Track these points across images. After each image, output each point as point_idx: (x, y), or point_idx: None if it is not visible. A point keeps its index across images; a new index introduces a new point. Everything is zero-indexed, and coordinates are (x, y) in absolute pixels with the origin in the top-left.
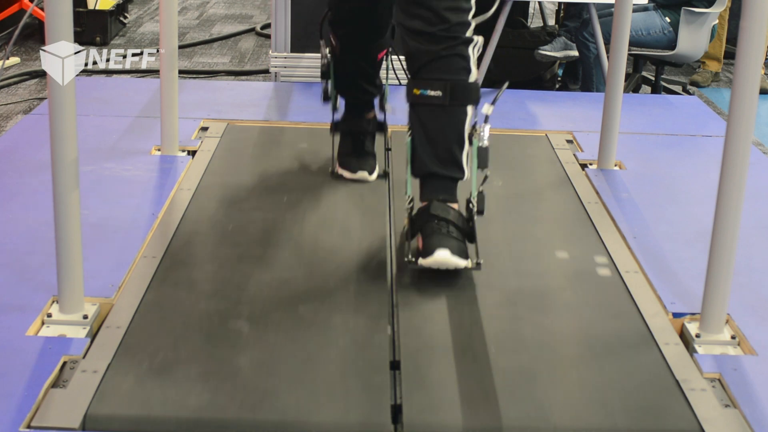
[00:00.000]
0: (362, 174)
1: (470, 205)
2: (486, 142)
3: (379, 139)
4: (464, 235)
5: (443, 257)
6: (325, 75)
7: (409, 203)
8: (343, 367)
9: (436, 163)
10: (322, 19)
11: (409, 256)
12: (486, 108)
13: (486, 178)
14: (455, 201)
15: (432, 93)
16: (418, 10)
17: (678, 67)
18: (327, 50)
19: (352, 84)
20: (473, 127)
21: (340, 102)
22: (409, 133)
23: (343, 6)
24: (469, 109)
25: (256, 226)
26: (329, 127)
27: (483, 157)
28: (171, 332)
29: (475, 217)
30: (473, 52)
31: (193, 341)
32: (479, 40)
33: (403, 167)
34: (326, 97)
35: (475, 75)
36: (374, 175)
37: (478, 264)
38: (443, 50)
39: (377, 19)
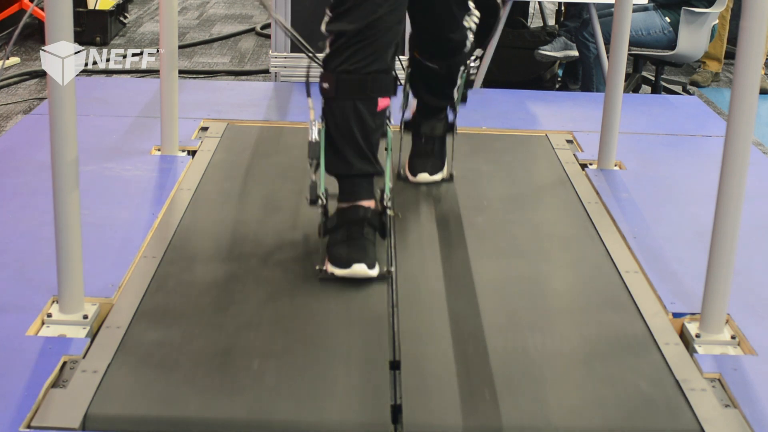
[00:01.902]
0: (361, 268)
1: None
2: (474, 74)
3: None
4: (446, 136)
5: (424, 178)
6: (314, 154)
7: (325, 197)
8: (343, 367)
9: (431, 98)
10: (308, 67)
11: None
12: (476, 51)
13: (476, 58)
14: (443, 116)
15: (431, 65)
16: (431, 51)
17: (678, 67)
18: (316, 123)
19: (346, 160)
20: (465, 65)
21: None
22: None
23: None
24: (462, 66)
25: (255, 226)
26: (317, 230)
27: (470, 82)
28: (171, 332)
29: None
30: (471, 31)
31: (193, 341)
32: (475, 14)
33: (402, 164)
34: (314, 198)
35: (471, 39)
36: (375, 271)
37: (451, 175)
38: (446, 67)
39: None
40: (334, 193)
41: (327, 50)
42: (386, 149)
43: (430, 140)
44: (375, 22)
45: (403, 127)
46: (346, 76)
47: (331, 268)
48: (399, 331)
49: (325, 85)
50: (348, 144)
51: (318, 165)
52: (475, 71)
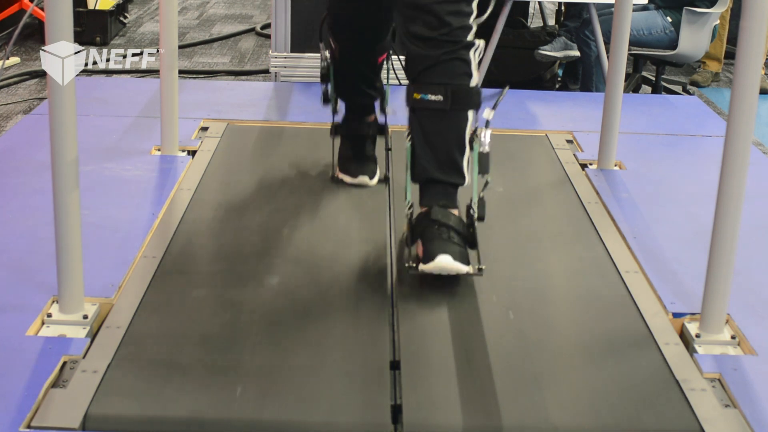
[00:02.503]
0: (363, 179)
1: (471, 210)
2: (487, 148)
3: (380, 143)
4: (465, 240)
5: (445, 262)
6: (324, 78)
7: (409, 209)
8: (343, 367)
9: (437, 168)
10: (321, 21)
11: (410, 262)
12: (487, 113)
13: (487, 183)
14: (456, 207)
15: (433, 98)
16: (420, 14)
17: (678, 67)
18: (326, 53)
19: (352, 88)
20: (474, 131)
21: (340, 105)
22: (408, 138)
23: (343, 9)
24: (470, 114)
25: (255, 226)
26: (329, 129)
27: (484, 162)
28: (171, 332)
29: (476, 223)
30: (474, 56)
31: (193, 341)
32: (480, 44)
33: (403, 169)
34: (326, 100)
35: (476, 79)
36: (375, 180)
37: (480, 269)
38: (444, 55)
39: (378, 23)
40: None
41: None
42: (388, 148)
43: (444, 228)
44: None
45: (407, 241)
46: (347, 45)
47: (341, 175)
48: (399, 331)
49: (334, 50)
50: (355, 77)
51: (329, 81)
52: (487, 149)
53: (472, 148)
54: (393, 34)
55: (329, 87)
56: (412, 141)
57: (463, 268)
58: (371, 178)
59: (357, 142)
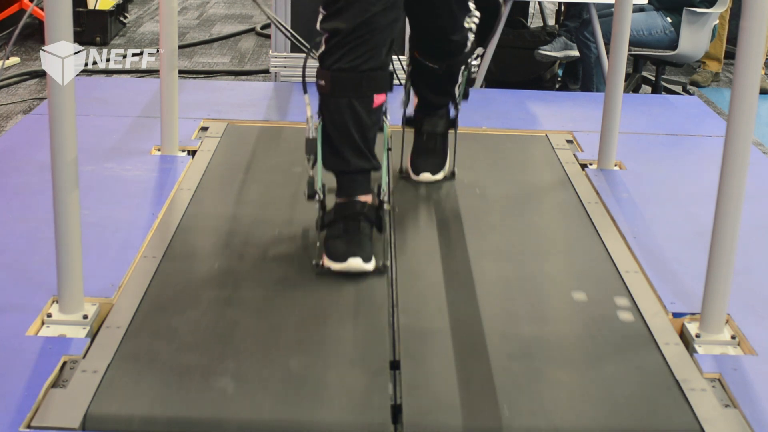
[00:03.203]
0: (425, 176)
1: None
2: (475, 72)
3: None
4: (448, 132)
5: (426, 177)
6: (311, 150)
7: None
8: (343, 367)
9: (431, 95)
10: (304, 64)
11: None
12: (477, 50)
13: (477, 56)
14: (444, 112)
15: (431, 65)
16: (431, 53)
17: (679, 67)
18: (315, 120)
19: (343, 156)
20: (465, 64)
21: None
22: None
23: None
24: (463, 65)
25: (255, 226)
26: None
27: (471, 80)
28: (171, 332)
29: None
30: (471, 29)
31: (193, 341)
32: (476, 15)
33: (403, 165)
34: (311, 193)
35: (471, 39)
36: (371, 264)
37: (453, 173)
38: (447, 67)
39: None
40: (332, 188)
41: (322, 48)
42: (388, 148)
43: (432, 137)
44: (369, 20)
45: (404, 122)
46: (340, 75)
47: (327, 262)
48: (399, 331)
49: (322, 83)
50: (345, 141)
51: (315, 161)
52: (476, 69)
53: (463, 75)
54: (390, 47)
55: (315, 166)
56: (413, 78)
57: (439, 177)
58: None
59: (349, 223)
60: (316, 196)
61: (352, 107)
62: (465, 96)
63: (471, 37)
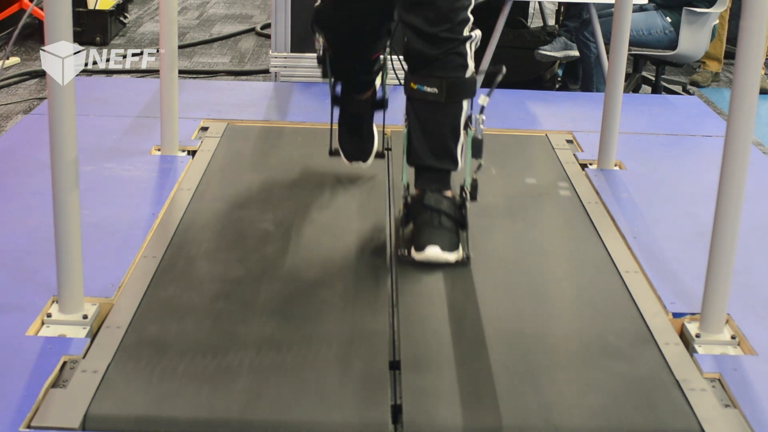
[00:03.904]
0: (357, 163)
1: (463, 193)
2: (480, 134)
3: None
4: (456, 222)
5: (434, 254)
6: (321, 61)
7: (405, 190)
8: (343, 367)
9: (431, 156)
10: (312, 20)
11: (402, 250)
12: (482, 99)
13: (480, 166)
14: (448, 188)
15: (428, 89)
16: (422, 9)
17: (678, 67)
18: (321, 39)
19: (348, 76)
20: (469, 117)
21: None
22: (405, 122)
23: (330, 18)
24: (465, 102)
25: (255, 226)
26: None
27: (477, 147)
28: (171, 332)
29: (468, 205)
30: (471, 48)
31: (193, 341)
32: (477, 35)
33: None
34: (325, 74)
35: (472, 69)
36: (370, 161)
37: (467, 257)
38: (442, 54)
39: (368, 30)
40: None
41: (323, 45)
42: (388, 148)
43: (436, 213)
44: None
45: (401, 221)
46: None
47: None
48: (399, 331)
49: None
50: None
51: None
52: (482, 134)
53: (466, 132)
54: (389, 32)
55: (327, 65)
56: (409, 127)
57: (452, 258)
58: (365, 160)
59: (354, 118)
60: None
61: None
62: (473, 192)
63: (470, 53)
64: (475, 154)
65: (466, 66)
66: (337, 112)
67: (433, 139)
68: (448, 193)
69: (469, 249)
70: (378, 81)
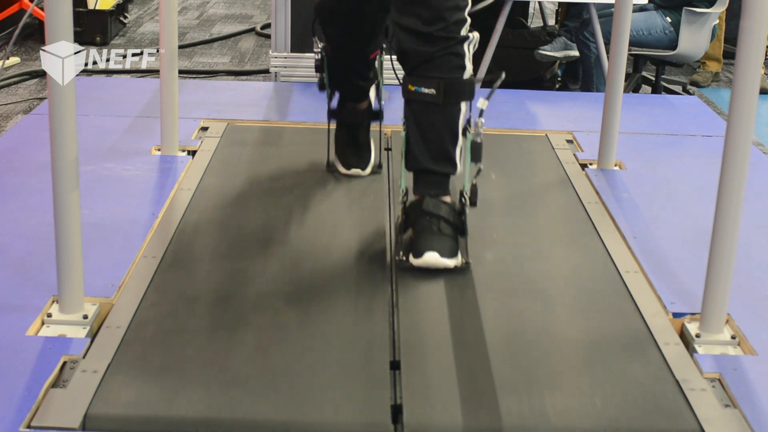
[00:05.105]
0: (355, 171)
1: (463, 198)
2: (480, 137)
3: (375, 127)
4: (455, 228)
5: (432, 259)
6: (319, 69)
7: (404, 195)
8: (343, 367)
9: (429, 159)
10: (313, 20)
11: (401, 255)
12: (481, 102)
13: (479, 171)
14: (447, 194)
15: (426, 90)
16: (416, 8)
17: (678, 67)
18: (321, 45)
19: (345, 80)
20: (467, 121)
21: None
22: (404, 126)
23: (331, 10)
24: (463, 105)
25: (255, 226)
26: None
27: (476, 151)
28: (171, 332)
29: (468, 210)
30: (469, 49)
31: (193, 341)
32: (475, 37)
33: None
34: (322, 87)
35: (470, 71)
36: (368, 169)
37: (466, 263)
38: (438, 51)
39: (367, 23)
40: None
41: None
42: (388, 148)
43: (435, 218)
44: None
45: (399, 227)
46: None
47: (336, 164)
48: (399, 331)
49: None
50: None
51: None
52: (481, 137)
53: (465, 136)
54: (386, 31)
55: (325, 76)
56: (407, 131)
57: (450, 264)
58: (363, 168)
59: (351, 129)
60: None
61: (350, 64)
62: (473, 198)
63: (468, 54)
64: (475, 158)
65: (463, 67)
66: (333, 126)
67: (432, 142)
68: (447, 199)
69: (468, 256)
70: (372, 93)
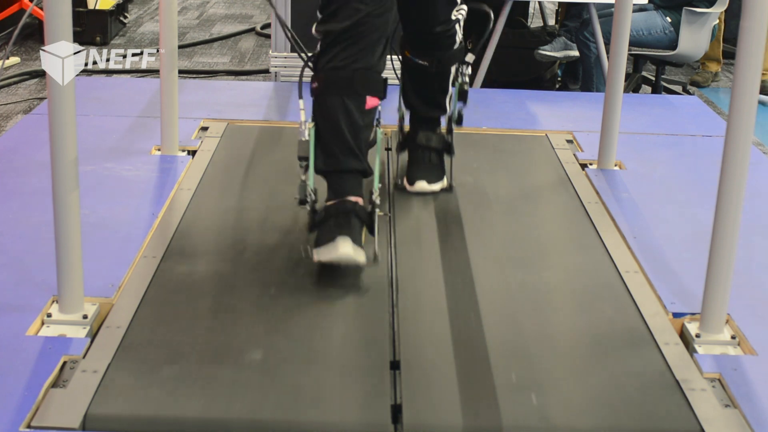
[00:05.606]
0: (344, 250)
1: (450, 123)
2: (466, 85)
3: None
4: (444, 151)
5: (422, 186)
6: (303, 152)
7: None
8: (343, 367)
9: (422, 106)
10: (301, 72)
11: (399, 180)
12: (468, 57)
13: (464, 105)
14: (438, 126)
15: (421, 62)
16: (419, 45)
17: (678, 67)
18: (307, 124)
19: (333, 157)
20: (457, 70)
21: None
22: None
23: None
24: (453, 66)
25: (255, 226)
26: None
27: (464, 94)
28: (171, 332)
29: (454, 130)
30: (460, 25)
31: (193, 341)
32: (463, 9)
33: (401, 166)
34: (303, 198)
35: (459, 39)
36: (361, 253)
37: (450, 186)
38: (436, 39)
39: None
40: (324, 196)
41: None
42: (387, 148)
43: (426, 150)
44: (361, 20)
45: (398, 148)
46: (333, 73)
47: (317, 256)
48: (399, 331)
49: (314, 85)
50: (336, 140)
51: (308, 165)
52: (468, 84)
53: (454, 85)
54: (385, 44)
55: (308, 172)
56: (403, 81)
57: (436, 188)
58: (355, 243)
59: (341, 218)
60: (308, 200)
61: (344, 106)
62: (459, 120)
63: (459, 31)
64: (462, 99)
65: (455, 42)
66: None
67: (425, 95)
68: (437, 130)
69: (452, 179)
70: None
